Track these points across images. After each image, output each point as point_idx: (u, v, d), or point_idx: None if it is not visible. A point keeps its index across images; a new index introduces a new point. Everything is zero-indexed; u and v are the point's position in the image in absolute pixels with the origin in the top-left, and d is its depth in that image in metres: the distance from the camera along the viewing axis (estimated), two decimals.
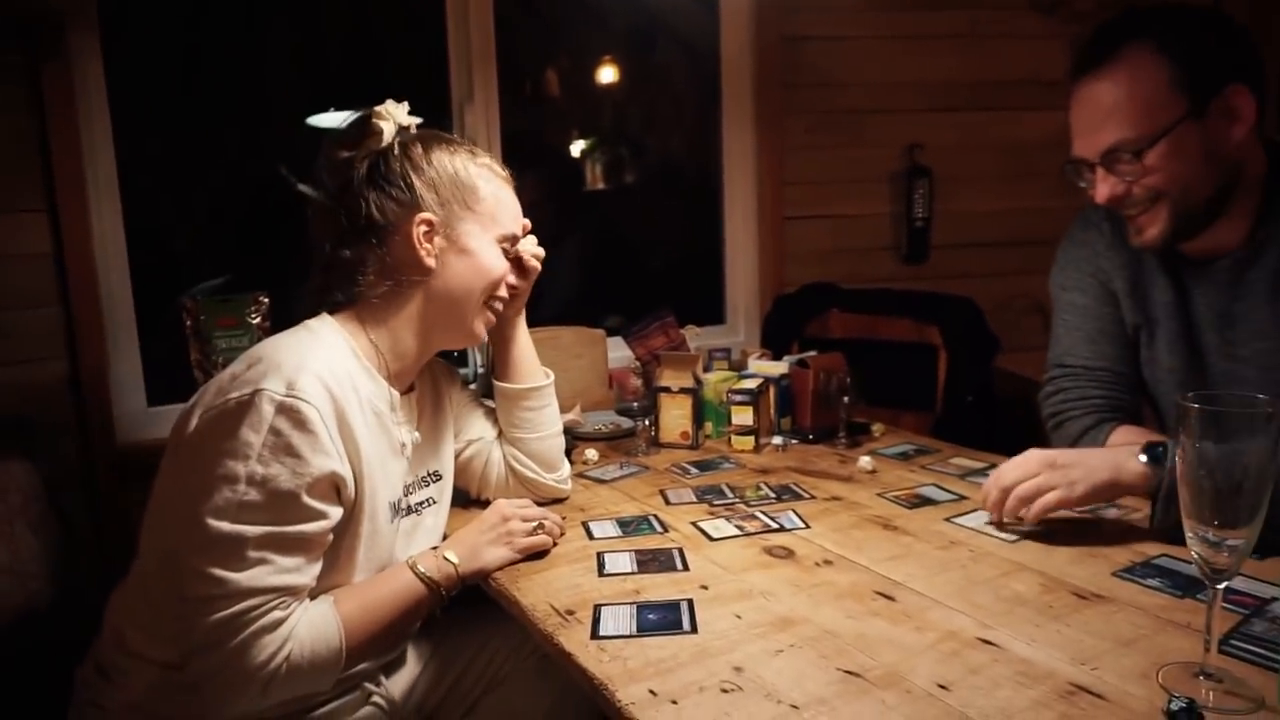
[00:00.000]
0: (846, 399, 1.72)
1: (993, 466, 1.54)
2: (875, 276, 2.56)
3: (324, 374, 1.05)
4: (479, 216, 1.22)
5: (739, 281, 2.61)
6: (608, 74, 2.76)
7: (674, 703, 0.84)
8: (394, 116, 1.21)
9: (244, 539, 0.97)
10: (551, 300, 2.57)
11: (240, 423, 0.99)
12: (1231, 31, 1.25)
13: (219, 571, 0.97)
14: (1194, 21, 1.25)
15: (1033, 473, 1.20)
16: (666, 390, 1.77)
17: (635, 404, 1.77)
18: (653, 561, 1.18)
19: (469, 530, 1.23)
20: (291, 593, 1.01)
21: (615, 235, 2.88)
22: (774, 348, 2.18)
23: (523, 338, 1.46)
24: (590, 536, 1.29)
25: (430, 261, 1.18)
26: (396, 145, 1.20)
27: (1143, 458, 1.19)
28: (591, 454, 1.69)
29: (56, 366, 1.84)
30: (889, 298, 2.34)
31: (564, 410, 1.78)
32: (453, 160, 1.21)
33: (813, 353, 1.88)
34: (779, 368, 1.82)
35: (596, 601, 1.07)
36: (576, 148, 2.80)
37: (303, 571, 1.02)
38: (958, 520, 1.30)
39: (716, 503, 1.42)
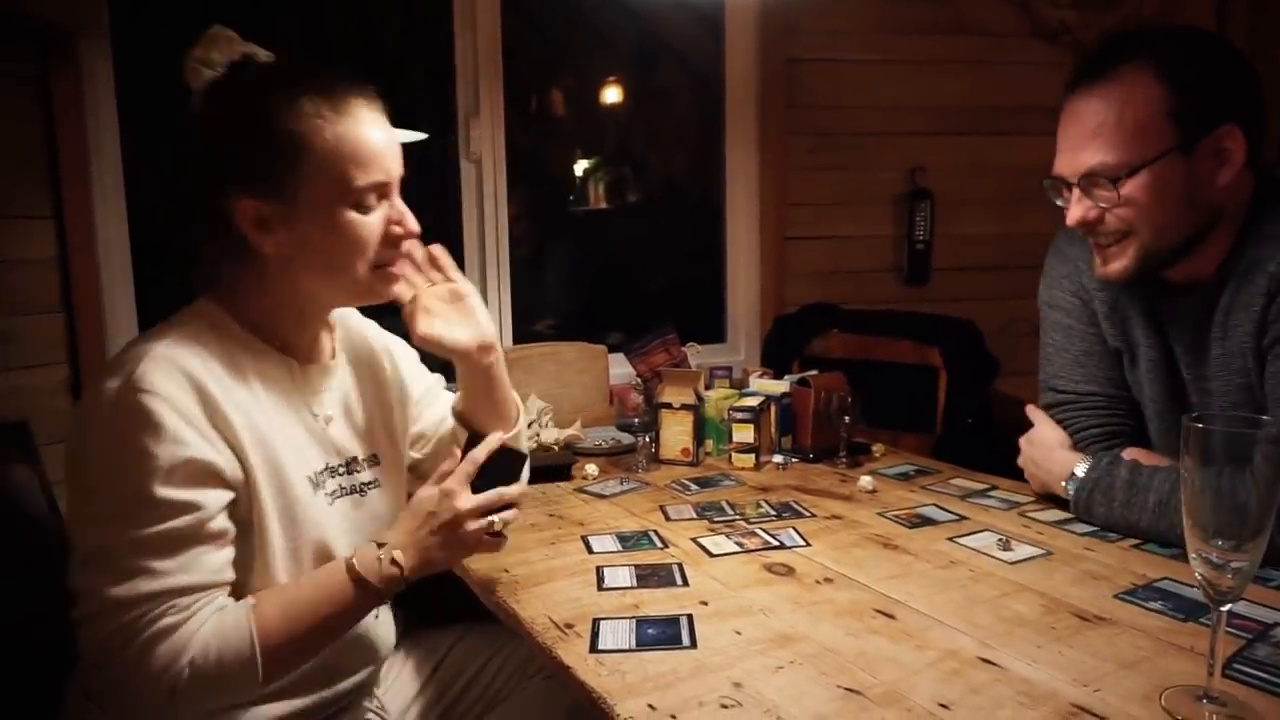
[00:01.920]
0: (847, 418, 1.72)
1: (993, 488, 1.55)
2: (876, 298, 2.56)
3: (177, 356, 0.96)
4: (317, 181, 0.99)
5: (740, 301, 2.62)
6: (612, 94, 2.79)
7: (673, 717, 0.84)
8: (210, 62, 1.00)
9: (111, 550, 0.91)
10: (553, 315, 2.59)
11: (86, 431, 0.94)
12: (1239, 66, 1.20)
13: (95, 588, 0.91)
14: (1201, 50, 1.20)
15: (1026, 443, 1.44)
16: (668, 406, 1.77)
17: (636, 420, 1.77)
18: (652, 576, 1.18)
19: (415, 521, 1.05)
20: (184, 593, 0.92)
21: (618, 253, 2.90)
22: (774, 367, 2.19)
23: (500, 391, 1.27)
24: (590, 551, 1.28)
25: (271, 250, 1.01)
26: (203, 105, 1.00)
27: (1079, 470, 1.33)
28: (592, 469, 1.69)
29: (58, 372, 1.84)
30: (890, 319, 2.35)
31: (565, 426, 1.78)
32: (268, 114, 0.97)
33: (814, 372, 1.88)
34: (780, 386, 1.82)
35: (595, 615, 1.06)
36: (580, 166, 2.81)
37: (191, 569, 0.93)
38: (959, 540, 1.29)
39: (716, 519, 1.41)
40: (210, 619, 0.94)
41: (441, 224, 2.31)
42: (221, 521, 0.96)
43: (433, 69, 2.29)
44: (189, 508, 0.93)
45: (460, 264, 2.28)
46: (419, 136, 2.19)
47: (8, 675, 1.18)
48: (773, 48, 2.48)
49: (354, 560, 1.02)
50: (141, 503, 0.91)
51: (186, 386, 0.95)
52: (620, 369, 2.12)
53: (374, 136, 1.02)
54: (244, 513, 1.00)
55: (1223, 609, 0.82)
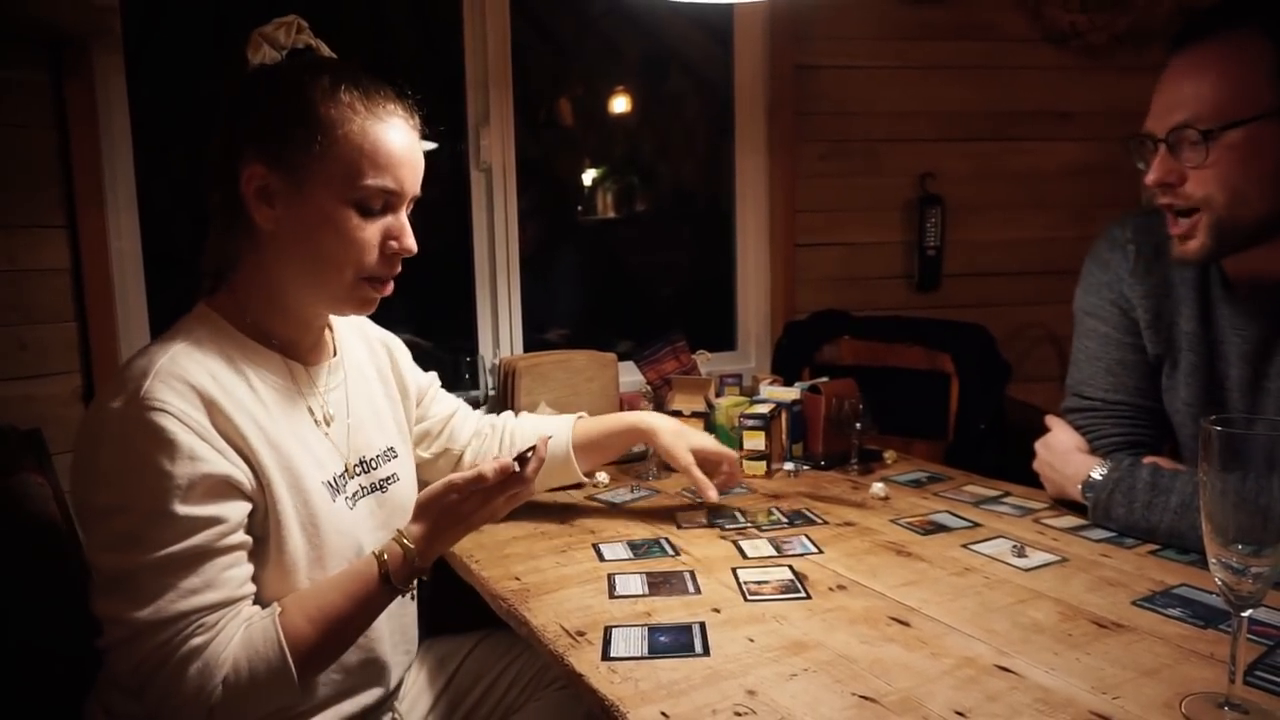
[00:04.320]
0: (859, 425, 1.71)
1: (1007, 494, 1.54)
2: (887, 304, 2.56)
3: (183, 369, 0.95)
4: (328, 165, 0.99)
5: (750, 308, 2.61)
6: (621, 103, 2.79)
7: None
8: (274, 41, 1.02)
9: (135, 572, 0.90)
10: (563, 324, 2.59)
11: (95, 451, 0.92)
12: None
13: (121, 613, 0.90)
14: None
15: (1042, 446, 1.44)
16: (678, 414, 1.76)
17: None
18: (664, 584, 1.17)
19: (448, 521, 1.06)
20: (211, 610, 0.92)
21: (627, 261, 2.90)
22: (785, 374, 2.18)
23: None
24: (601, 558, 1.28)
25: (266, 224, 1.00)
26: (249, 76, 1.02)
27: (1097, 473, 1.32)
28: (602, 477, 1.68)
29: (70, 381, 1.84)
30: (901, 325, 2.33)
31: None
32: (303, 90, 0.99)
33: (825, 379, 1.87)
34: (791, 393, 1.82)
35: (607, 623, 1.05)
36: (589, 175, 2.82)
37: (216, 585, 0.92)
38: (973, 547, 1.28)
39: (728, 527, 1.40)
40: (238, 633, 0.93)
41: (452, 232, 2.31)
42: (242, 535, 0.96)
43: (443, 77, 2.30)
44: (210, 522, 0.92)
45: (470, 272, 2.32)
46: (428, 146, 2.20)
47: (24, 689, 1.18)
48: (782, 54, 2.47)
49: (385, 558, 1.01)
50: (161, 522, 0.90)
51: (195, 400, 0.94)
52: (630, 377, 2.12)
53: (398, 144, 1.03)
54: (261, 523, 0.99)
55: (1243, 615, 0.81)
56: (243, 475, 0.96)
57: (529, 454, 1.07)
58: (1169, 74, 1.19)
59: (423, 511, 1.05)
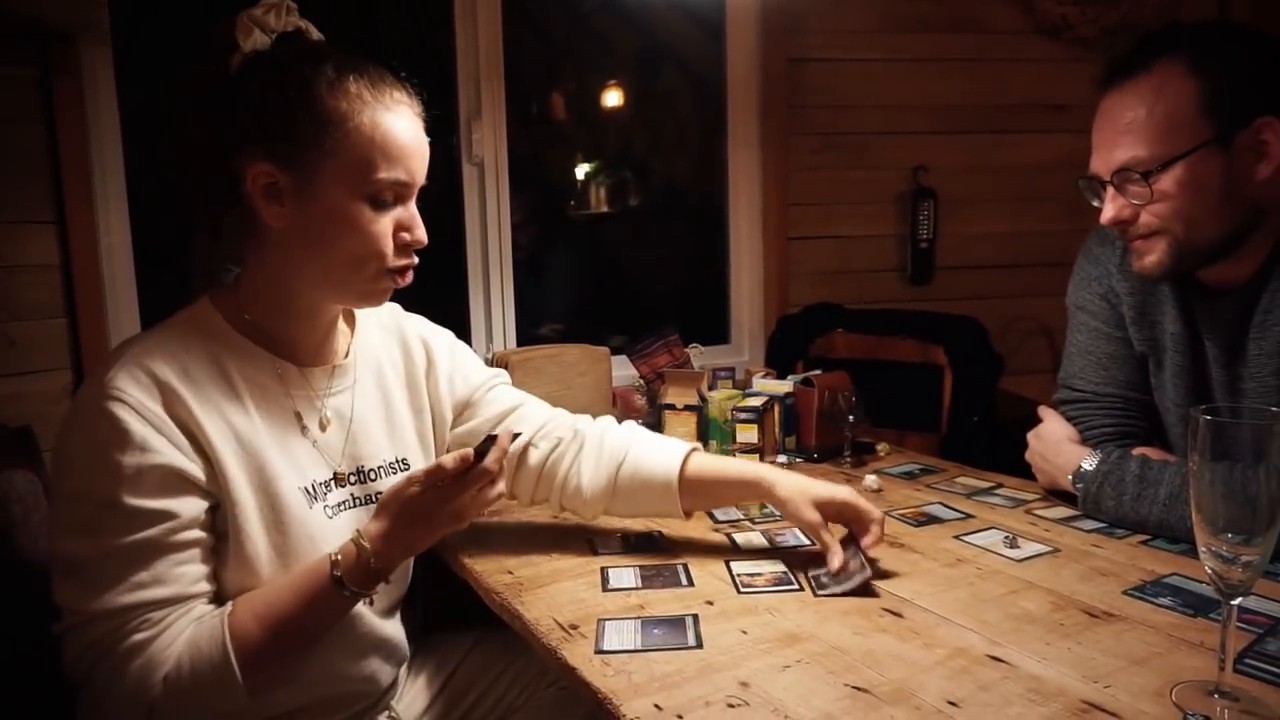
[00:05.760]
0: (852, 418, 1.71)
1: (999, 486, 1.54)
2: (880, 297, 2.56)
3: (151, 360, 0.93)
4: (340, 160, 0.96)
5: (743, 302, 2.61)
6: (613, 98, 2.79)
7: (679, 717, 0.83)
8: (264, 25, 0.99)
9: (88, 561, 0.89)
10: (556, 318, 2.59)
11: (69, 436, 0.92)
12: (1277, 58, 1.15)
13: (71, 601, 0.89)
14: (1236, 43, 1.17)
15: (1034, 437, 1.45)
16: (671, 407, 1.76)
17: (639, 421, 1.77)
18: (657, 577, 1.17)
19: (412, 523, 0.98)
20: (157, 606, 0.90)
21: (620, 256, 2.90)
22: (778, 368, 2.18)
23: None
24: (594, 552, 1.28)
25: (276, 223, 0.97)
26: (244, 64, 0.99)
27: (1087, 464, 1.33)
28: None
29: (61, 377, 1.84)
30: (894, 318, 2.34)
31: None
32: (308, 82, 0.95)
33: (818, 371, 1.88)
34: (784, 386, 1.82)
35: (600, 616, 1.05)
36: (582, 170, 2.81)
37: (166, 581, 0.90)
38: (965, 538, 1.29)
39: (721, 519, 1.40)
40: (185, 631, 0.91)
41: (445, 227, 2.31)
42: (197, 532, 0.93)
43: (435, 71, 2.29)
44: (162, 516, 0.90)
45: (462, 267, 2.31)
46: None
47: (14, 689, 1.17)
48: (774, 48, 2.47)
49: (338, 560, 0.96)
50: (112, 512, 0.89)
51: (154, 390, 0.92)
52: (623, 371, 2.12)
53: (408, 135, 1.00)
54: (221, 520, 0.96)
55: (1233, 603, 0.81)
56: (197, 469, 0.93)
57: (488, 445, 1.00)
58: (1101, 115, 1.21)
59: (382, 508, 0.99)
